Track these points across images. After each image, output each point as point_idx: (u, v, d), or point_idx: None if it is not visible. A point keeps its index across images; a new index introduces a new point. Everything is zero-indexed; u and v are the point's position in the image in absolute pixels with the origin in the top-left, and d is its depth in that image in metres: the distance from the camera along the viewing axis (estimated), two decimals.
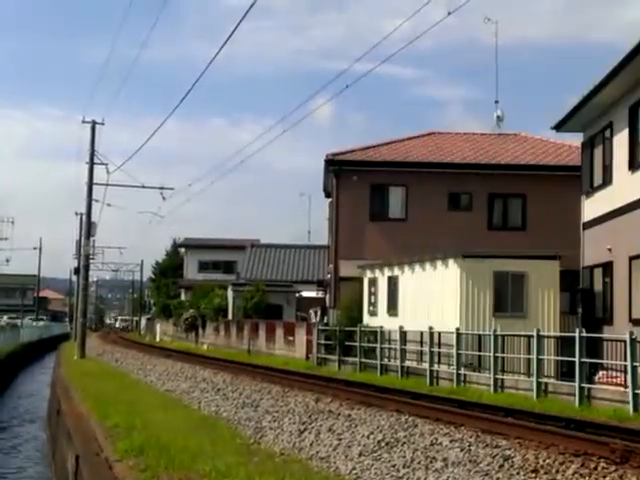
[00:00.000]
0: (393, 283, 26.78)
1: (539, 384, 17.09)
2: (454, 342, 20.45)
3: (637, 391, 14.39)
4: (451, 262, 23.22)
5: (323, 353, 28.60)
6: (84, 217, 40.66)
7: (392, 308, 26.65)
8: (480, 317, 22.22)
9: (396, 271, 26.68)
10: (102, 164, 37.76)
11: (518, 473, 8.93)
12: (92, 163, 37.50)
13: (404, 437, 11.26)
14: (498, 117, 36.87)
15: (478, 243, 28.55)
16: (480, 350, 20.48)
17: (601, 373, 17.24)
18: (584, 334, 16.60)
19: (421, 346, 22.60)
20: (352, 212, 32.37)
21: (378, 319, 26.87)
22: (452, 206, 32.36)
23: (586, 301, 23.27)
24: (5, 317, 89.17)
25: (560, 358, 18.35)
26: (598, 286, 22.76)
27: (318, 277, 48.66)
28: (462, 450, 10.20)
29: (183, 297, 66.24)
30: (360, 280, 29.23)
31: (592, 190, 23.65)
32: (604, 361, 17.01)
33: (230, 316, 46.44)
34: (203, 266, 70.65)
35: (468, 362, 20.77)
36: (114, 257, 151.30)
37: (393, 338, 24.07)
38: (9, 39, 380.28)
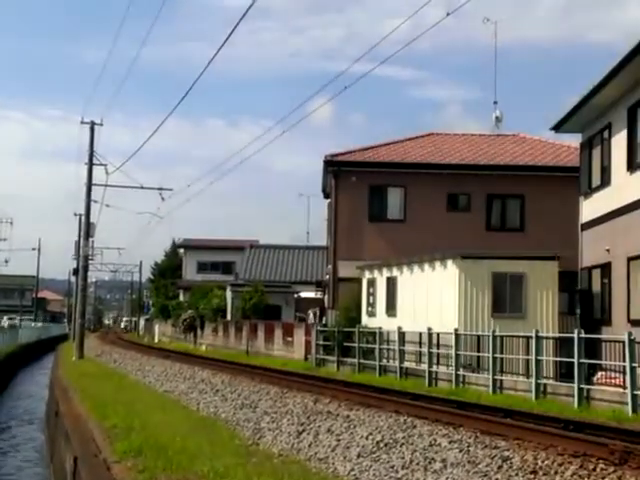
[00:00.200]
0: (392, 284, 26.78)
1: (538, 385, 17.09)
2: (453, 343, 20.45)
3: (636, 392, 14.39)
4: (450, 263, 23.23)
5: (322, 354, 28.59)
6: (83, 218, 40.69)
7: (391, 309, 26.66)
8: (479, 318, 22.23)
9: (395, 272, 26.68)
10: (101, 165, 37.82)
11: (517, 474, 8.93)
12: (91, 164, 37.51)
13: (403, 438, 11.26)
14: (497, 118, 36.92)
15: (477, 244, 28.57)
16: (479, 351, 20.48)
17: (600, 374, 17.23)
18: (583, 335, 16.60)
19: (420, 347, 22.60)
20: (351, 213, 32.39)
21: (377, 320, 26.88)
22: (451, 207, 32.39)
23: (585, 302, 23.27)
24: (5, 318, 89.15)
25: (559, 359, 18.34)
26: (596, 287, 22.77)
27: (317, 278, 48.69)
28: (461, 451, 10.19)
29: (182, 298, 66.24)
30: (359, 281, 29.24)
31: (591, 191, 23.66)
32: (603, 362, 17.01)
33: (229, 317, 46.44)
34: (202, 267, 70.67)
35: (467, 363, 20.78)
36: (113, 258, 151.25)
37: (392, 339, 24.07)
38: (9, 40, 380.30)
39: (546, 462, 9.34)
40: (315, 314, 37.82)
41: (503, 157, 33.40)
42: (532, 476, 8.86)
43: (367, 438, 11.41)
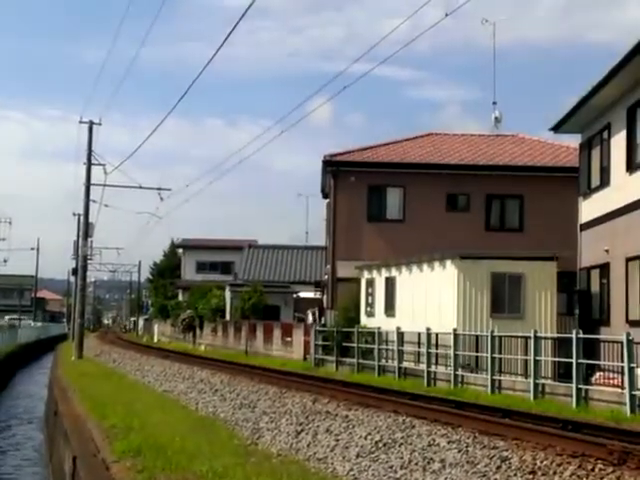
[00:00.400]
0: (390, 284, 26.78)
1: (536, 385, 17.10)
2: (451, 343, 20.47)
3: (634, 392, 14.40)
4: (448, 263, 23.23)
5: (321, 354, 28.59)
6: (82, 218, 40.66)
7: (389, 309, 26.66)
8: (477, 318, 22.23)
9: (394, 272, 26.69)
10: (100, 165, 37.80)
11: (515, 474, 8.94)
12: (89, 164, 37.51)
13: (401, 438, 11.27)
14: (496, 118, 36.93)
15: (475, 244, 28.57)
16: (477, 351, 20.50)
17: (598, 374, 17.24)
18: (581, 335, 16.60)
19: (418, 347, 22.60)
20: (350, 213, 32.39)
21: (375, 320, 26.88)
22: (450, 207, 32.40)
23: (583, 302, 23.28)
24: (6, 318, 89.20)
25: (557, 359, 18.36)
26: (595, 287, 22.78)
27: (316, 278, 48.70)
28: (460, 451, 10.20)
29: (181, 298, 66.23)
30: (357, 281, 29.24)
31: (590, 191, 23.67)
32: (601, 362, 17.01)
33: (228, 317, 46.44)
34: (201, 267, 70.65)
35: (465, 363, 20.79)
36: (112, 258, 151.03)
37: (390, 339, 24.07)
38: (8, 40, 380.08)
39: (545, 462, 9.35)
40: (314, 314, 37.82)
41: (502, 157, 33.41)
42: (531, 476, 8.87)
43: (366, 438, 11.42)
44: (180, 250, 77.88)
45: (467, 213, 32.19)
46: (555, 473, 8.91)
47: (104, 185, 38.76)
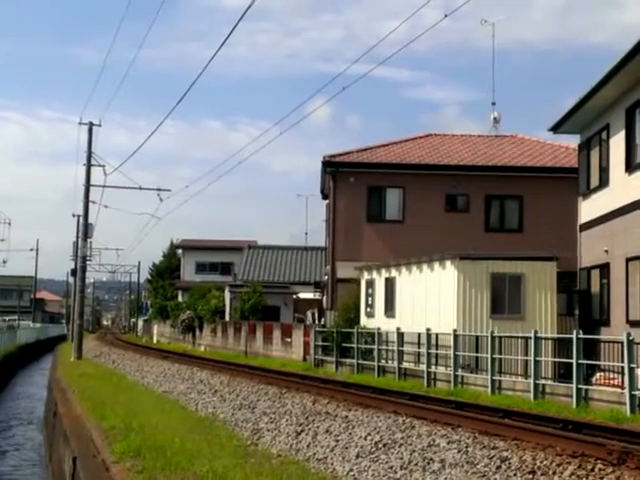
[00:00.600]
0: (390, 284, 26.77)
1: (536, 385, 17.10)
2: (451, 343, 20.47)
3: (634, 392, 14.41)
4: (448, 264, 23.23)
5: (320, 354, 28.59)
6: (81, 219, 40.67)
7: (389, 309, 26.64)
8: (477, 318, 22.22)
9: (393, 272, 26.68)
10: (99, 166, 37.84)
11: (515, 475, 8.94)
12: (89, 165, 37.54)
13: (401, 438, 11.26)
14: (495, 119, 36.96)
15: (475, 245, 28.55)
16: (477, 351, 20.50)
17: (598, 374, 17.24)
18: (581, 335, 16.61)
19: (418, 347, 22.60)
20: (349, 214, 32.39)
21: (375, 320, 26.87)
22: (449, 208, 32.41)
23: (583, 302, 23.29)
24: (7, 318, 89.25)
25: (557, 359, 18.36)
26: (595, 288, 22.78)
27: (315, 279, 48.70)
28: (459, 451, 10.20)
29: (180, 298, 66.22)
30: (357, 281, 29.22)
31: (589, 192, 23.67)
32: (601, 362, 17.01)
33: (227, 317, 46.42)
34: (200, 267, 70.66)
35: (465, 363, 20.78)
36: (111, 259, 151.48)
37: (390, 339, 24.07)
38: (8, 42, 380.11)
39: (544, 462, 9.35)
40: (313, 314, 37.82)
41: (501, 158, 33.41)
42: (530, 476, 8.86)
43: (366, 438, 11.41)
44: (179, 251, 77.89)
45: (466, 214, 32.20)
46: (555, 473, 8.91)
47: (104, 186, 38.87)
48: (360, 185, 32.49)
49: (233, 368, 26.57)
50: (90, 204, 38.11)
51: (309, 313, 38.66)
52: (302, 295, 46.51)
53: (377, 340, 24.30)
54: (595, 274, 22.81)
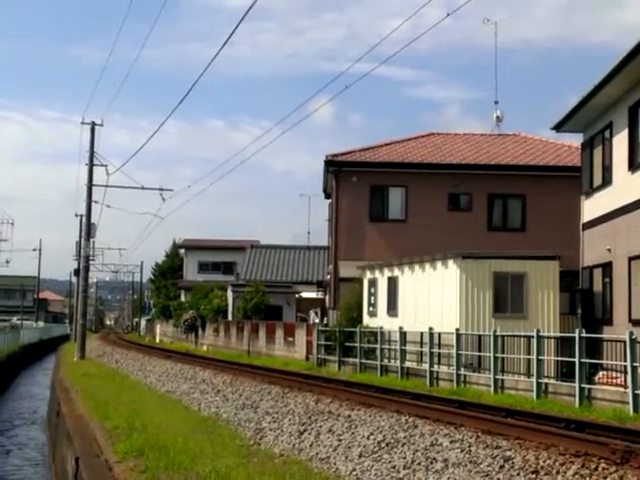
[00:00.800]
0: (393, 284, 26.77)
1: (539, 384, 17.09)
2: (454, 343, 20.45)
3: (637, 391, 14.38)
4: (451, 263, 23.22)
5: (323, 354, 28.59)
6: (84, 218, 40.70)
7: (392, 309, 26.65)
8: (480, 318, 22.22)
9: (396, 272, 26.68)
10: (102, 165, 37.87)
11: (518, 474, 8.92)
12: (92, 164, 37.55)
13: (404, 438, 11.25)
14: (497, 117, 36.92)
15: (478, 244, 28.52)
16: (480, 351, 20.48)
17: (601, 373, 17.24)
18: (584, 334, 16.60)
19: (421, 347, 22.60)
20: (352, 213, 32.39)
21: (378, 320, 26.87)
22: (452, 207, 32.39)
23: (586, 301, 23.27)
24: (14, 318, 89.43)
25: (560, 358, 18.34)
26: (598, 286, 22.77)
27: (318, 278, 48.67)
28: (462, 451, 10.19)
29: (183, 298, 66.25)
30: (360, 281, 29.23)
31: (592, 190, 23.65)
32: (604, 361, 17.01)
33: (230, 317, 46.45)
34: (203, 267, 70.70)
35: (468, 363, 20.77)
36: (114, 258, 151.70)
37: (393, 339, 24.07)
38: (9, 41, 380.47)
39: (548, 462, 9.34)
40: (316, 314, 37.82)
41: (504, 157, 33.39)
42: (534, 476, 8.85)
43: (368, 438, 11.41)
44: (182, 250, 77.92)
45: (469, 213, 32.17)
46: (558, 472, 8.90)
47: (106, 186, 38.90)
48: (362, 184, 32.48)
49: (236, 368, 26.57)
50: (93, 204, 38.13)
51: (312, 312, 38.66)
52: (304, 294, 46.52)
53: (380, 339, 24.30)
54: (598, 273, 22.80)
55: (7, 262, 76.00)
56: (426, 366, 21.55)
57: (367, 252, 31.20)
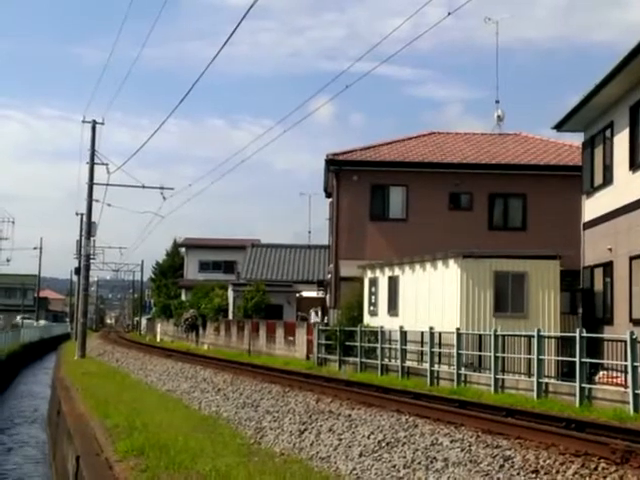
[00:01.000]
0: (393, 283, 26.77)
1: (539, 384, 17.08)
2: (454, 342, 20.45)
3: (637, 391, 14.38)
4: (451, 262, 23.22)
5: (324, 353, 28.60)
6: (85, 217, 40.70)
7: (392, 308, 26.65)
8: (480, 317, 22.22)
9: (397, 271, 26.68)
10: (102, 164, 37.87)
11: (518, 473, 8.93)
12: (92, 163, 37.55)
13: (404, 437, 11.25)
14: (498, 117, 36.90)
15: (479, 243, 28.52)
16: (480, 350, 20.49)
17: (601, 373, 17.24)
18: (584, 334, 16.60)
19: (422, 346, 22.60)
20: (352, 212, 32.39)
21: (378, 319, 26.87)
22: (452, 206, 32.38)
23: (586, 301, 23.27)
24: (18, 317, 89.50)
25: (560, 358, 18.35)
26: (598, 286, 22.76)
27: (318, 277, 48.67)
28: (462, 450, 10.19)
29: (183, 297, 66.26)
30: (360, 280, 29.23)
31: (593, 190, 23.64)
32: (604, 361, 17.01)
33: (230, 316, 46.45)
34: (203, 266, 70.69)
35: (468, 362, 20.78)
36: (115, 257, 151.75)
37: (394, 338, 24.06)
38: (9, 40, 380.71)
39: (548, 461, 9.34)
40: (317, 313, 37.82)
41: (505, 156, 33.38)
42: (534, 475, 8.86)
43: (369, 437, 11.41)
44: (183, 249, 77.90)
45: (470, 212, 32.16)
46: (558, 472, 8.90)
47: (107, 184, 38.88)
48: (363, 183, 32.48)
49: (236, 367, 26.58)
50: (93, 202, 38.13)
51: (312, 312, 38.66)
52: (305, 294, 46.52)
53: (380, 339, 24.30)
54: (598, 272, 22.79)
55: (8, 260, 76.21)
56: (426, 365, 21.55)
57: (368, 251, 31.20)
